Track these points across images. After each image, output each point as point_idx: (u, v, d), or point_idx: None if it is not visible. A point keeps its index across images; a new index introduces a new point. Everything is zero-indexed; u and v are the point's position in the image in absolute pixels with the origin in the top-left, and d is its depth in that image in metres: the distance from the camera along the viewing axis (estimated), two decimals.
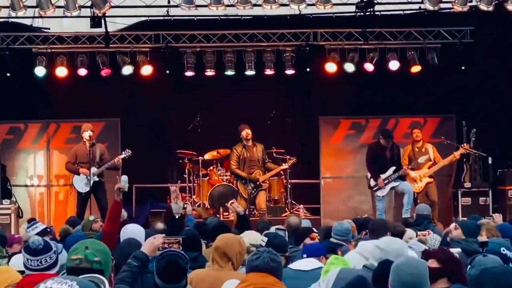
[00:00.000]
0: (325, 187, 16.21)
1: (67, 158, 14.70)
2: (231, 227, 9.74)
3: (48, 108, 16.59)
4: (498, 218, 10.55)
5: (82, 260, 4.55)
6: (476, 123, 15.33)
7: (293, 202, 15.76)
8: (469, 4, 13.61)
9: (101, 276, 4.38)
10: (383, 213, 14.28)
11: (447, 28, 15.66)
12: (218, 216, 14.84)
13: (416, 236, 9.03)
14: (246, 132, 14.68)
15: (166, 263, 5.29)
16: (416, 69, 15.77)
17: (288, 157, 15.35)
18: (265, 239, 6.95)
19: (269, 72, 15.86)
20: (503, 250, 6.60)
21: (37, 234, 8.78)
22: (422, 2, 14.17)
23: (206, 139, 16.05)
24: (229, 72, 15.77)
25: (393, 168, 14.42)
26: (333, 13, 15.15)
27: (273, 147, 15.63)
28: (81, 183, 14.20)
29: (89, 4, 13.79)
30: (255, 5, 13.67)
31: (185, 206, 9.79)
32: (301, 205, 15.88)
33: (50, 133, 16.18)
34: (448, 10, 14.52)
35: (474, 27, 15.52)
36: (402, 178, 14.55)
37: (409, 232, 9.09)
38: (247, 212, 13.81)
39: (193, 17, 15.11)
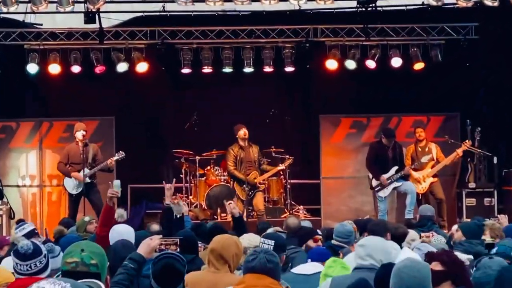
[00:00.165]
0: (326, 188, 16.13)
1: (59, 157, 14.64)
2: (229, 228, 9.74)
3: (41, 106, 16.54)
4: (503, 219, 10.40)
5: (78, 263, 4.50)
6: (481, 121, 15.30)
7: (293, 203, 15.69)
8: None
9: (98, 281, 4.38)
10: (385, 214, 14.20)
11: (451, 24, 15.55)
12: (215, 217, 14.95)
13: (420, 237, 8.94)
14: (244, 131, 14.61)
15: (163, 266, 5.24)
16: (419, 66, 15.67)
17: (287, 156, 15.32)
18: (271, 242, 6.80)
19: (268, 69, 15.78)
20: None
21: (24, 235, 8.81)
22: None
23: (203, 138, 16.01)
24: (227, 69, 15.69)
25: (396, 168, 14.32)
26: (334, 8, 15.12)
27: (272, 146, 15.62)
28: (72, 184, 14.14)
29: None
30: (253, 0, 13.55)
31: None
32: (301, 206, 15.82)
33: (43, 132, 16.06)
34: (452, 6, 14.41)
35: (479, 23, 15.41)
36: (405, 178, 14.47)
37: (412, 233, 8.97)
38: (245, 214, 13.89)
39: (190, 13, 15.10)
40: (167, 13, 15.01)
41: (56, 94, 16.12)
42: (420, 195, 14.66)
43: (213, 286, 5.93)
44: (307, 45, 15.45)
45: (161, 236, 5.91)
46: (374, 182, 14.32)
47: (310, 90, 17.14)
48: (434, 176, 14.80)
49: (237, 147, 14.65)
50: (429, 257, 5.17)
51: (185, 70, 15.64)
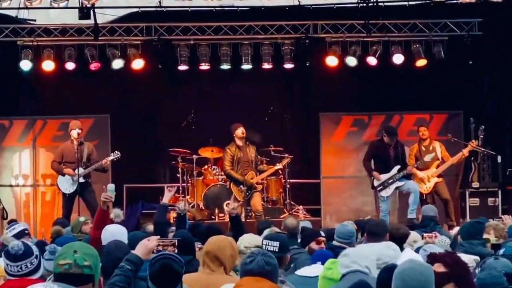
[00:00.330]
0: (326, 187, 16.08)
1: (53, 156, 14.59)
2: (226, 229, 9.80)
3: (34, 104, 16.48)
4: (507, 219, 10.44)
5: (71, 265, 4.40)
6: (484, 119, 15.29)
7: (292, 202, 15.62)
8: None
9: None
10: (387, 215, 14.07)
11: (454, 20, 15.52)
12: (213, 217, 14.90)
13: (422, 238, 8.81)
14: (242, 130, 14.50)
15: (160, 267, 5.12)
16: (421, 63, 15.61)
17: (286, 155, 15.26)
18: (276, 244, 6.77)
19: (267, 66, 15.69)
20: None
21: (14, 235, 8.73)
22: None
23: (200, 137, 15.95)
24: (225, 66, 15.61)
25: (398, 167, 14.19)
26: (334, 4, 14.97)
27: (271, 145, 15.59)
28: (65, 184, 14.02)
29: None
30: None
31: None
32: (301, 206, 15.77)
33: (36, 130, 16.07)
34: (455, 1, 14.53)
35: (483, 19, 15.36)
36: (408, 177, 14.36)
37: (414, 235, 8.85)
38: (243, 214, 13.97)
39: (187, 8, 14.98)
40: (163, 8, 14.84)
41: (50, 92, 16.06)
42: (425, 195, 14.61)
43: (209, 287, 5.91)
44: (307, 41, 15.39)
45: (158, 237, 5.87)
46: (376, 182, 14.20)
47: (310, 88, 17.16)
48: (439, 176, 14.76)
49: (234, 147, 14.55)
50: (432, 258, 5.10)
51: (182, 67, 15.59)
